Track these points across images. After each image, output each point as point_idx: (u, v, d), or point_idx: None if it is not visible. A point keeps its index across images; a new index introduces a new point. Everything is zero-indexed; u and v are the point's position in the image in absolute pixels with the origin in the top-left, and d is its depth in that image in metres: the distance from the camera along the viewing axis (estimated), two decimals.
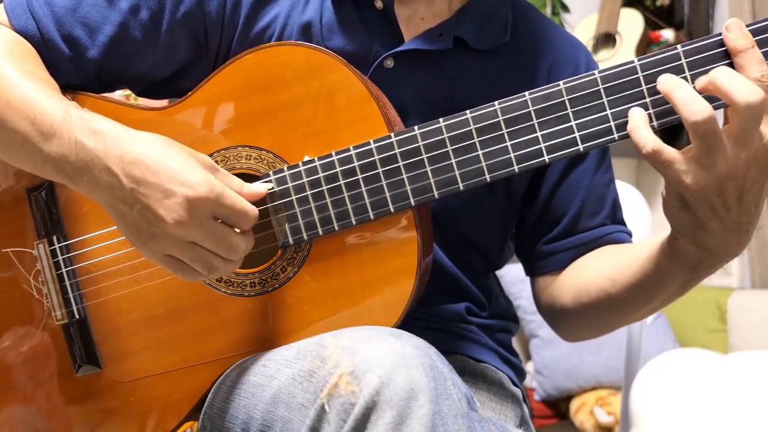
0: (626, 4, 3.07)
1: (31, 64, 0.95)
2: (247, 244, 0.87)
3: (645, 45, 2.99)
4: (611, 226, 1.11)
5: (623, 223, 1.14)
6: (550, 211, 1.10)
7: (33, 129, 0.88)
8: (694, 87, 0.81)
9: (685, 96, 0.80)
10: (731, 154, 0.80)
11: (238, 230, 0.86)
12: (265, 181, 0.92)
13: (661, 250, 0.92)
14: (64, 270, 1.00)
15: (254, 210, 0.87)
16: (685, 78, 0.83)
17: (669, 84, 0.81)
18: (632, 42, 2.95)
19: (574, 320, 1.10)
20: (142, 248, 0.87)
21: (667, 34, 3.04)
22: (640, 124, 0.82)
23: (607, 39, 3.00)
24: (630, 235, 1.13)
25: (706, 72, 0.81)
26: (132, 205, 0.84)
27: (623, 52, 2.93)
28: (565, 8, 3.08)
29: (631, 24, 2.99)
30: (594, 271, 1.05)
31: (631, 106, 0.85)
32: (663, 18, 3.12)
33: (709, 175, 0.80)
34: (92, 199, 0.88)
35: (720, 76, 0.79)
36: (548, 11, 2.99)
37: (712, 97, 0.80)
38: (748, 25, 0.82)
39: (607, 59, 2.93)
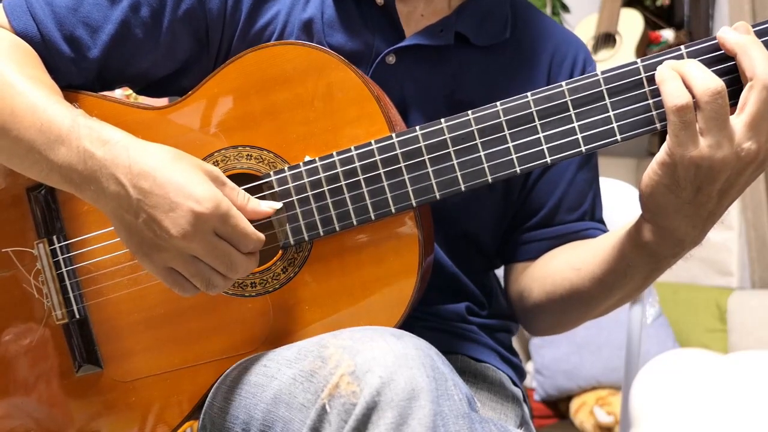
0: (626, 4, 3.07)
1: (34, 68, 0.95)
2: (249, 265, 0.87)
3: (645, 45, 2.99)
4: (588, 223, 1.12)
5: (602, 222, 1.15)
6: (531, 201, 1.11)
7: (40, 137, 0.88)
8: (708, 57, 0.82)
9: (696, 69, 0.80)
10: (738, 139, 0.80)
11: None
12: (267, 194, 0.92)
13: (628, 238, 0.93)
14: (64, 269, 1.00)
15: (257, 235, 0.86)
16: None
17: (674, 63, 0.82)
18: (632, 42, 2.95)
19: (539, 311, 1.11)
20: (143, 259, 0.87)
21: (667, 34, 3.04)
22: (671, 77, 0.81)
23: (607, 39, 3.00)
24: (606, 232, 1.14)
25: None
26: (137, 215, 0.84)
27: (623, 52, 2.93)
28: (565, 8, 3.08)
29: (631, 24, 2.99)
30: (561, 261, 1.06)
31: (634, 107, 0.85)
32: (663, 18, 3.12)
33: (712, 155, 0.80)
34: (97, 208, 0.88)
35: (751, 45, 0.80)
36: (548, 11, 2.99)
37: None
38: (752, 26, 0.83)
39: (607, 59, 2.93)
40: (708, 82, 0.79)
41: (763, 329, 2.66)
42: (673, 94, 0.80)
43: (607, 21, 3.00)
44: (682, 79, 0.81)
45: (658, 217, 0.88)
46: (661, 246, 0.90)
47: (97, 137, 0.86)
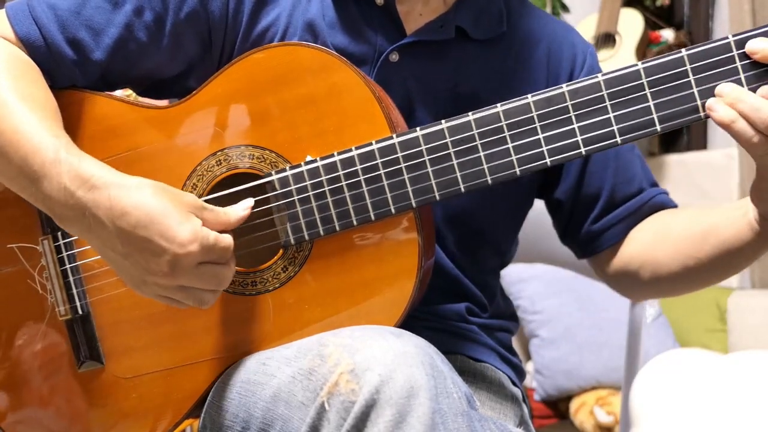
0: (626, 4, 3.06)
1: (31, 83, 0.95)
2: (232, 269, 0.89)
3: (645, 45, 2.99)
4: (651, 190, 1.13)
5: (657, 184, 1.15)
6: (585, 189, 1.12)
7: (24, 167, 0.88)
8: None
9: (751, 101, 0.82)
10: None
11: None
12: (270, 196, 0.93)
13: (751, 230, 0.95)
14: (68, 266, 1.00)
15: (230, 239, 0.87)
16: (688, 83, 0.84)
17: (728, 99, 0.83)
18: (632, 42, 2.95)
19: (649, 289, 1.12)
20: (135, 290, 0.88)
21: (667, 34, 3.04)
22: (732, 117, 0.83)
23: (607, 39, 3.00)
24: (668, 194, 1.15)
25: (710, 77, 0.83)
26: (124, 256, 0.85)
27: (623, 52, 2.93)
28: (565, 8, 3.08)
29: (631, 24, 2.99)
30: (672, 250, 1.06)
31: (635, 110, 0.85)
32: (663, 18, 3.12)
33: None
34: (84, 241, 0.88)
35: None
36: (548, 11, 2.99)
37: None
38: (735, 35, 0.83)
39: (607, 59, 2.92)
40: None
41: (763, 329, 2.65)
42: (747, 134, 0.82)
43: (607, 21, 3.00)
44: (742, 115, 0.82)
45: None
46: None
47: (75, 175, 0.85)
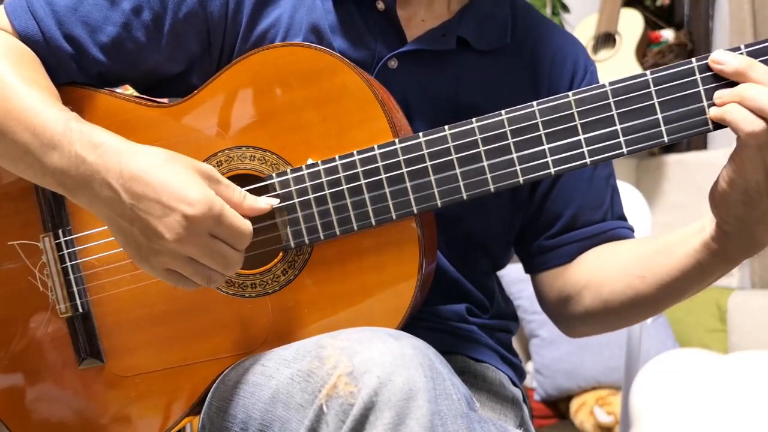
0: (626, 4, 3.07)
1: (32, 70, 0.95)
2: (242, 258, 0.88)
3: (645, 45, 3.00)
4: (613, 222, 1.11)
5: (624, 218, 1.14)
6: (551, 205, 1.10)
7: (34, 141, 0.88)
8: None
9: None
10: None
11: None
12: (271, 195, 0.93)
13: (705, 248, 0.92)
14: (68, 264, 1.00)
15: (250, 229, 0.87)
16: (698, 93, 0.83)
17: (733, 91, 0.81)
18: (632, 42, 2.95)
19: (590, 317, 1.09)
20: (141, 263, 0.87)
21: (667, 34, 3.04)
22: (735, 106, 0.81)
23: (607, 39, 3.00)
24: (632, 230, 1.13)
25: (719, 88, 0.82)
26: (132, 221, 0.84)
27: (623, 52, 2.94)
28: (565, 8, 3.07)
29: (631, 24, 2.99)
30: (617, 269, 1.04)
31: (643, 122, 0.84)
32: (663, 18, 3.12)
33: None
34: (92, 212, 0.88)
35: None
36: (548, 11, 2.98)
37: None
38: (747, 45, 0.82)
39: (606, 59, 2.93)
40: None
41: (763, 329, 2.65)
42: (747, 120, 0.80)
43: (607, 21, 3.00)
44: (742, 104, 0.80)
45: (736, 229, 0.87)
46: (741, 252, 0.90)
47: (88, 141, 0.86)
